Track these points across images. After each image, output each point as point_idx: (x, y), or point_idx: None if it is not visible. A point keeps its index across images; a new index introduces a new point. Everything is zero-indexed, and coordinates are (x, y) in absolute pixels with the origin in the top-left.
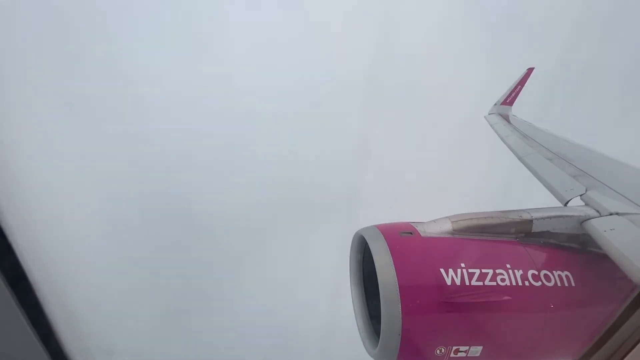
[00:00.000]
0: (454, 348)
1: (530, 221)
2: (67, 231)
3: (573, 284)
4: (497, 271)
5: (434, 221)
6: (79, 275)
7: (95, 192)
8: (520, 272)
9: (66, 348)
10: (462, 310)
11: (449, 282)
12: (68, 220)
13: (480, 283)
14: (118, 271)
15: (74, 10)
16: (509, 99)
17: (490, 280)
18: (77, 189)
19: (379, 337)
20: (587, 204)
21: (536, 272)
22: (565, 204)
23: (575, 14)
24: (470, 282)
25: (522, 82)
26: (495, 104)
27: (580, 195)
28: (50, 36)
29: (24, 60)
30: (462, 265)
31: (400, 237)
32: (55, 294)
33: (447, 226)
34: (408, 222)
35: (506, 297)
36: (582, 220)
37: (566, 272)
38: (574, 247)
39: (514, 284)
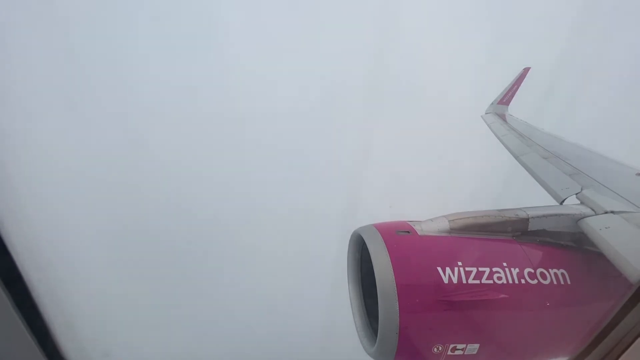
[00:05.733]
0: (452, 346)
1: (527, 220)
2: (64, 232)
3: (569, 282)
4: (494, 269)
5: (431, 220)
6: (75, 277)
7: (92, 193)
8: (517, 270)
9: (63, 349)
10: (459, 308)
11: (446, 281)
12: (64, 222)
13: (477, 281)
14: (115, 272)
15: (73, 11)
16: (506, 99)
17: (487, 279)
18: (74, 190)
19: (376, 335)
20: (582, 203)
21: (532, 271)
22: (561, 203)
23: (572, 13)
24: (467, 280)
25: (518, 81)
26: (492, 104)
27: (576, 194)
28: (48, 37)
29: (23, 62)
30: (459, 263)
31: (398, 236)
32: (52, 295)
33: (445, 225)
34: (405, 221)
35: (503, 295)
36: (578, 219)
37: (562, 270)
38: (570, 245)
39: (510, 282)
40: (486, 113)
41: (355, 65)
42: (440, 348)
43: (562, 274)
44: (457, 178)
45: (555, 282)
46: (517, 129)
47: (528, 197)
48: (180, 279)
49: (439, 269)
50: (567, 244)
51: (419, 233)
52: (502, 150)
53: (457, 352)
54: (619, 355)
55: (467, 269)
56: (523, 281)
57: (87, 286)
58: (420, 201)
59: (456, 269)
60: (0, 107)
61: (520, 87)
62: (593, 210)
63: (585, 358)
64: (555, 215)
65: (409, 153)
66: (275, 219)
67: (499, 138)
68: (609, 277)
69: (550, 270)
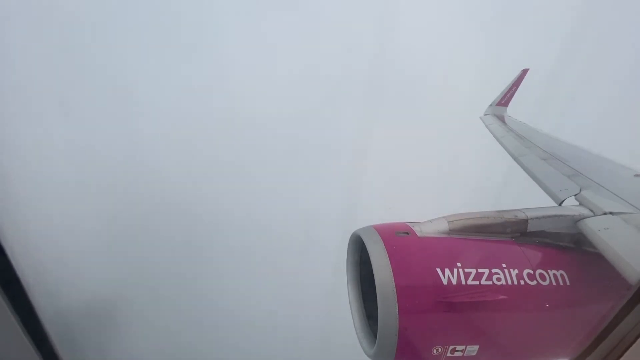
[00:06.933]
0: (451, 347)
1: (526, 221)
2: (61, 233)
3: (568, 283)
4: (493, 270)
5: (431, 221)
6: (73, 278)
7: (89, 193)
8: (516, 271)
9: (61, 351)
10: (459, 309)
11: (445, 282)
12: (62, 222)
13: (477, 282)
14: (114, 274)
15: (71, 11)
16: (504, 100)
17: (486, 280)
18: (71, 190)
19: (376, 337)
20: (581, 204)
21: (531, 272)
22: (560, 204)
23: (571, 14)
24: (466, 281)
25: (517, 83)
26: (491, 105)
27: (575, 195)
28: (47, 37)
29: (18, 62)
30: (459, 264)
31: (397, 237)
32: (50, 297)
33: (444, 226)
34: (404, 222)
35: (502, 297)
36: (577, 220)
37: (561, 271)
38: (569, 246)
39: (509, 283)
40: (485, 114)
41: (353, 66)
42: (439, 349)
43: (562, 275)
44: (457, 179)
45: (554, 283)
46: (516, 130)
47: (527, 199)
48: (179, 281)
49: (438, 270)
50: (566, 245)
51: (418, 234)
52: (501, 152)
53: (456, 354)
54: (619, 357)
55: (466, 270)
56: (522, 282)
57: (86, 288)
58: (419, 202)
59: (455, 270)
60: None
61: (519, 89)
62: (592, 211)
63: (585, 359)
64: (554, 216)
65: (408, 154)
66: (275, 220)
67: (497, 139)
68: (608, 278)
69: (549, 271)
